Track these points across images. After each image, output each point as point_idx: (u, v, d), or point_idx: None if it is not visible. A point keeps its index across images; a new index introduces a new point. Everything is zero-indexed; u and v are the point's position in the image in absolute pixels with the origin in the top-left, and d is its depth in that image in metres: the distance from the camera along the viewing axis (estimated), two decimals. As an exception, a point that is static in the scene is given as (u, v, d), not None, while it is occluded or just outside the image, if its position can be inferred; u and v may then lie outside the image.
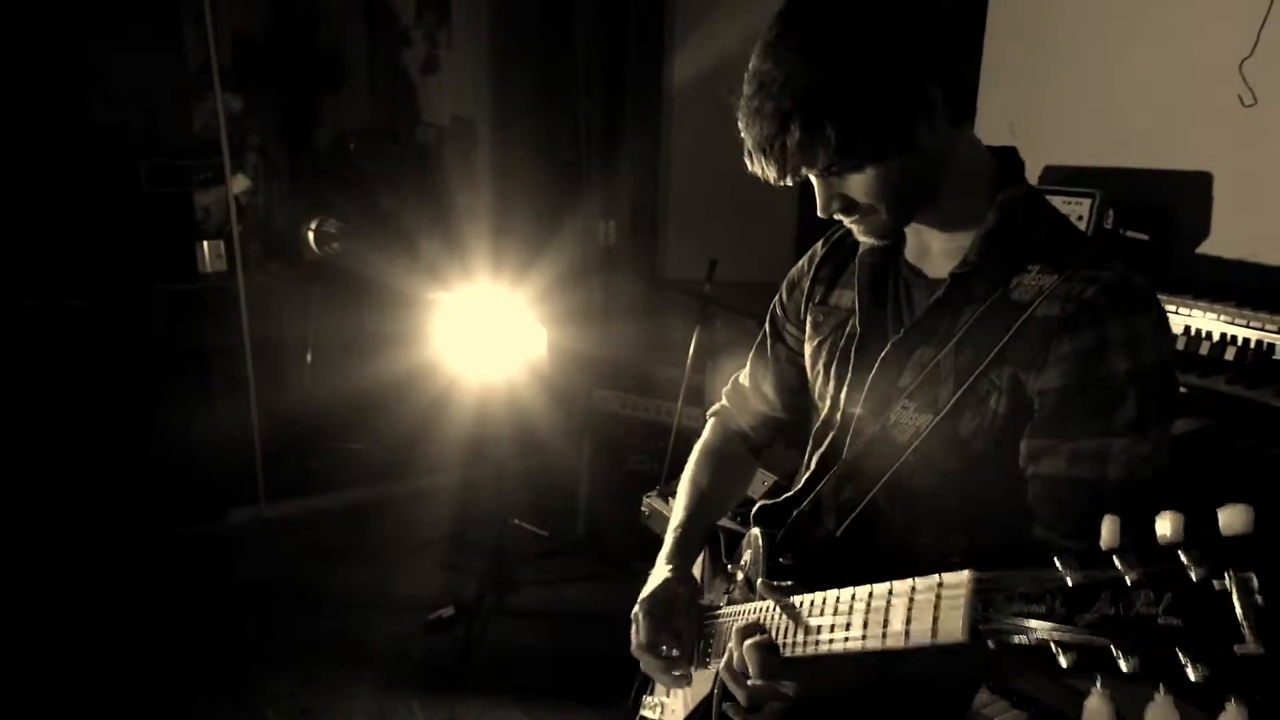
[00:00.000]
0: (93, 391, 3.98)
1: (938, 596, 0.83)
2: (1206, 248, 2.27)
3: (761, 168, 1.05)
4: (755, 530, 1.26)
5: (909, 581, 0.87)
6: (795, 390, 1.43)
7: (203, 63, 3.86)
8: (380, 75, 5.50)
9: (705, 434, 1.56)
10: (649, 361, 3.68)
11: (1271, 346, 1.85)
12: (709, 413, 1.58)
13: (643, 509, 2.40)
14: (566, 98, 4.30)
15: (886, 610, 0.90)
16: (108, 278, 4.30)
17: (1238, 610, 0.58)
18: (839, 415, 1.22)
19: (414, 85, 5.30)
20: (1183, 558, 0.61)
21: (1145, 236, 2.25)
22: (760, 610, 1.14)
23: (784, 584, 1.10)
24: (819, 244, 1.37)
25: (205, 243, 3.68)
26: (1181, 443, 1.75)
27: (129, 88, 4.36)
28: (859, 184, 1.06)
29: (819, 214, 1.11)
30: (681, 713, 1.41)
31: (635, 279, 4.28)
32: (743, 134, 1.04)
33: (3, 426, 3.68)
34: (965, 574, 0.80)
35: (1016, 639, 0.72)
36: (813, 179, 1.08)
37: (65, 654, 2.92)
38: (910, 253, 1.20)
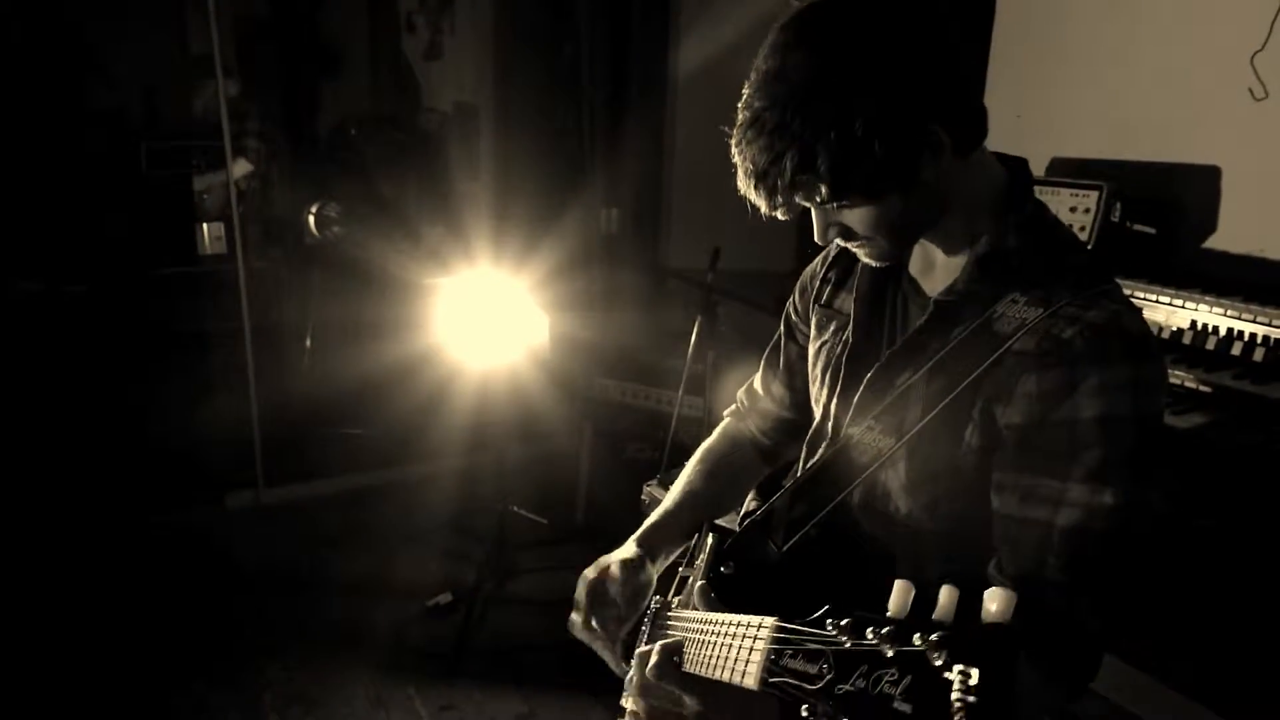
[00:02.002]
0: (91, 375, 3.97)
1: (755, 637, 0.82)
2: (1214, 242, 2.26)
3: (754, 198, 1.03)
4: (709, 536, 1.24)
5: (754, 618, 0.85)
6: (804, 390, 1.39)
7: (204, 46, 3.83)
8: (382, 61, 5.48)
9: (713, 435, 1.53)
10: (650, 350, 3.66)
11: (1279, 342, 1.84)
12: (725, 412, 1.55)
13: (643, 497, 2.39)
14: (570, 85, 4.27)
15: (726, 642, 0.90)
16: (107, 261, 4.29)
17: (954, 705, 0.56)
18: (829, 426, 1.21)
19: (416, 71, 5.28)
20: (918, 641, 0.59)
21: (1152, 230, 2.24)
22: (689, 619, 1.12)
23: (708, 600, 1.09)
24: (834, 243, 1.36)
25: (205, 225, 3.66)
26: (1187, 439, 1.74)
27: (129, 71, 4.34)
28: (856, 217, 1.04)
29: (816, 240, 1.09)
30: None
31: (637, 267, 4.26)
32: (736, 162, 1.02)
33: (1, 410, 3.67)
34: (771, 620, 0.78)
35: (790, 697, 0.70)
36: (812, 210, 1.06)
37: (62, 640, 2.92)
38: (914, 266, 1.18)
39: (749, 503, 1.43)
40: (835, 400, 1.19)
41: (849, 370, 1.18)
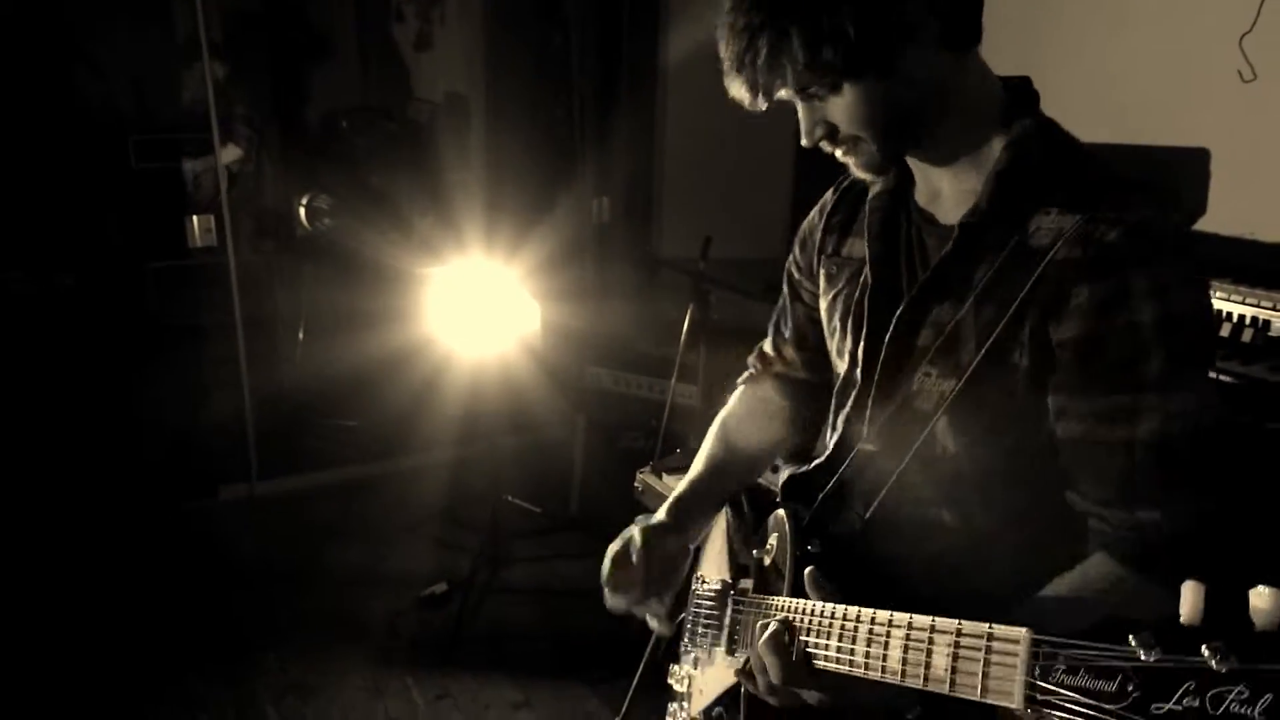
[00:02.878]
0: (82, 368, 3.95)
1: (987, 648, 0.75)
2: (1204, 224, 2.27)
3: (737, 90, 1.01)
4: (781, 512, 1.19)
5: (953, 622, 0.80)
6: (816, 349, 1.35)
7: (191, 35, 3.81)
8: (372, 51, 5.46)
9: (730, 402, 1.49)
10: (643, 339, 3.66)
11: (1268, 323, 1.85)
12: (739, 380, 1.51)
13: (636, 485, 2.39)
14: (560, 75, 4.26)
15: (928, 646, 0.83)
16: (98, 254, 4.27)
17: None
18: (859, 372, 1.15)
19: (406, 62, 5.26)
20: None
21: (1129, 178, 2.24)
22: (791, 607, 1.08)
23: (824, 585, 1.03)
24: (829, 192, 1.31)
25: (195, 218, 3.64)
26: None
27: (117, 62, 4.31)
28: (840, 108, 1.00)
29: (803, 142, 1.06)
30: (710, 694, 1.34)
31: (629, 257, 4.26)
32: (721, 54, 1.01)
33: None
34: (1021, 632, 0.72)
35: (1080, 715, 0.64)
36: (797, 105, 1.03)
37: (56, 632, 2.91)
38: (921, 196, 1.13)
39: (786, 471, 1.34)
40: (863, 344, 1.14)
41: (874, 310, 1.13)
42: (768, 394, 1.45)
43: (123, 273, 4.27)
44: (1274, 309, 1.84)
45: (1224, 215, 2.23)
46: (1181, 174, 2.28)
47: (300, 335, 4.66)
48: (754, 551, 1.29)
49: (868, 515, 1.12)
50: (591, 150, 4.20)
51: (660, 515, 1.35)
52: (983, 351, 1.00)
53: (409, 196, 4.67)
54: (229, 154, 4.23)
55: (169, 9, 4.24)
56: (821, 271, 1.27)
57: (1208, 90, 2.20)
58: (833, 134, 1.04)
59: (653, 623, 1.40)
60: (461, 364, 3.27)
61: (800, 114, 1.04)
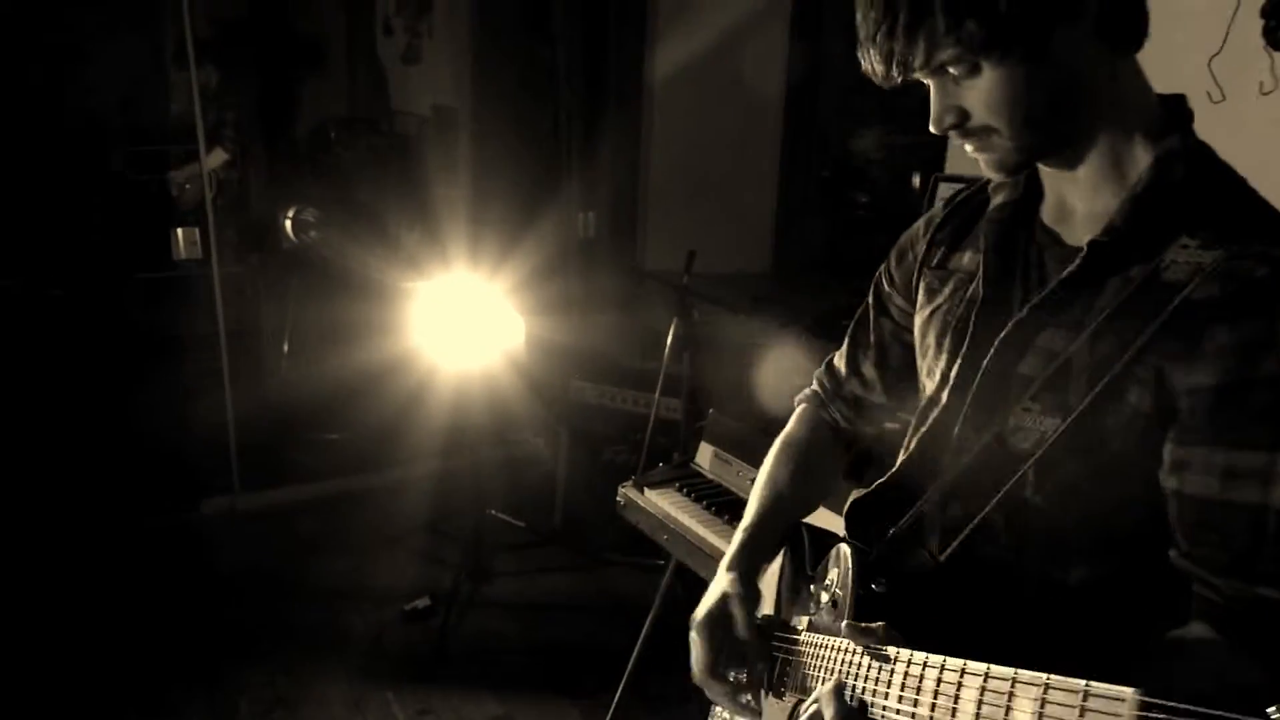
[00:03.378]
0: (69, 379, 3.96)
1: (1082, 710, 0.65)
2: (1177, 243, 2.29)
3: (871, 63, 0.91)
4: (844, 547, 1.10)
5: (1040, 675, 0.70)
6: (899, 371, 1.25)
7: (179, 46, 3.82)
8: (360, 64, 5.49)
9: (790, 424, 1.38)
10: (628, 353, 3.68)
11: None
12: (797, 399, 1.41)
13: (618, 499, 2.40)
14: (547, 89, 4.29)
15: (1008, 704, 0.72)
16: (86, 265, 4.28)
17: None
18: (945, 394, 1.06)
19: (394, 75, 5.28)
20: None
21: None
22: (848, 652, 0.99)
23: (874, 625, 0.94)
24: (938, 205, 1.20)
25: (180, 230, 3.65)
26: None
27: (107, 77, 4.33)
28: (977, 93, 0.90)
29: (931, 128, 0.95)
30: None
31: (614, 270, 4.28)
32: (858, 24, 0.92)
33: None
34: (1127, 691, 0.62)
35: None
36: (931, 85, 0.93)
37: (38, 644, 2.90)
38: (1047, 213, 1.03)
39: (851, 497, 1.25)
40: (959, 364, 1.04)
41: (978, 328, 1.02)
42: (834, 421, 1.36)
43: (110, 284, 4.27)
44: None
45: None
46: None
47: (285, 348, 4.66)
48: (811, 587, 1.21)
49: (943, 556, 1.02)
50: (577, 164, 4.23)
51: (736, 565, 1.23)
52: (1095, 391, 0.90)
53: (395, 209, 4.68)
54: (215, 158, 4.24)
55: (158, 20, 4.26)
56: (922, 284, 1.16)
57: (1180, 111, 2.23)
58: (963, 122, 0.93)
59: (739, 709, 1.23)
60: (446, 378, 3.28)
61: (932, 96, 0.94)
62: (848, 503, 1.16)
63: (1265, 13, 2.12)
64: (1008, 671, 0.74)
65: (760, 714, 1.21)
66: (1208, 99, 2.15)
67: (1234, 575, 0.86)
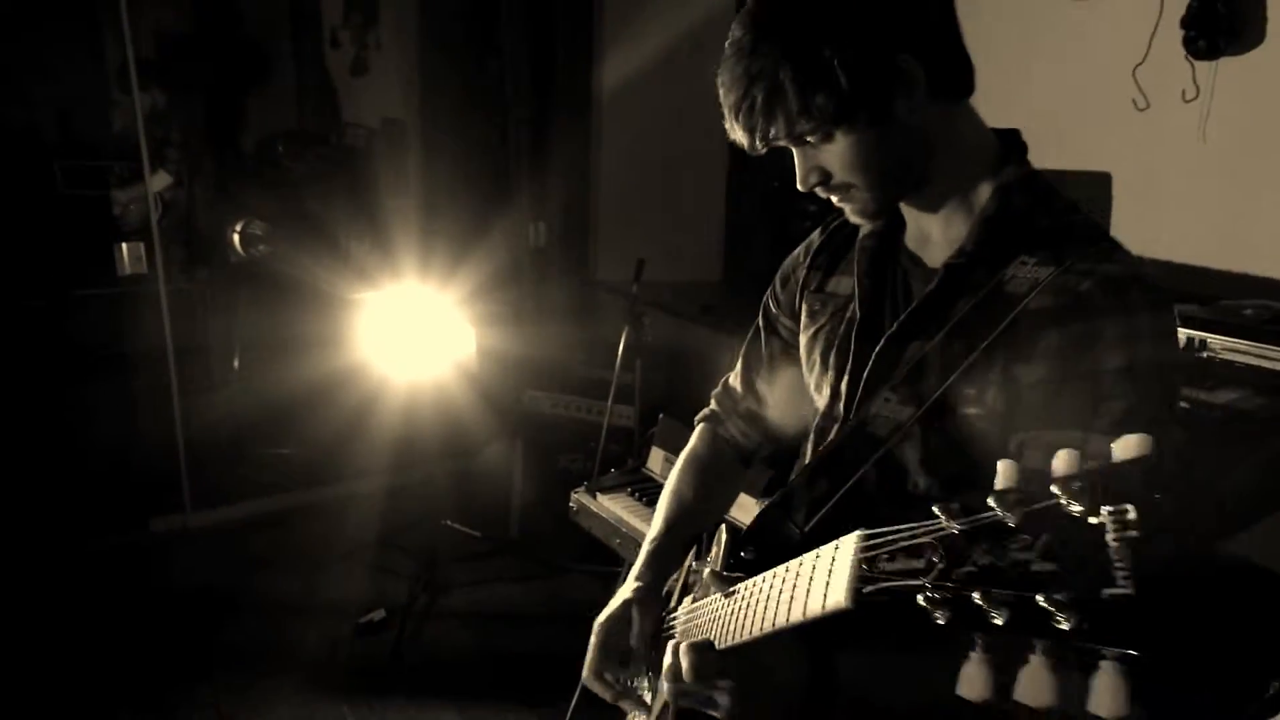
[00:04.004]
0: (12, 398, 3.86)
1: (832, 560, 0.78)
2: (1107, 245, 2.38)
3: (736, 135, 1.04)
4: (723, 525, 1.21)
5: (816, 550, 0.82)
6: (790, 388, 1.36)
7: (121, 62, 3.78)
8: (308, 77, 5.44)
9: (692, 441, 1.47)
10: (580, 362, 3.70)
11: (1164, 337, 1.95)
12: (697, 418, 1.50)
13: (571, 505, 2.42)
14: (495, 100, 4.30)
15: (795, 581, 0.86)
16: (21, 281, 4.17)
17: (1110, 547, 0.51)
18: (840, 407, 1.17)
19: (342, 87, 5.25)
20: (1058, 491, 0.55)
21: (1109, 234, 2.35)
22: (708, 606, 1.09)
23: (732, 575, 1.05)
24: (816, 232, 1.33)
25: (125, 245, 3.60)
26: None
27: (44, 88, 4.24)
28: (833, 155, 1.03)
29: (799, 187, 1.09)
30: None
31: (566, 280, 4.30)
32: (721, 102, 1.04)
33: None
34: (856, 533, 0.74)
35: (897, 600, 0.65)
36: (794, 151, 1.06)
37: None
38: (911, 239, 1.16)
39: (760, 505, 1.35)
40: (846, 379, 1.16)
41: (859, 345, 1.15)
42: (730, 436, 1.45)
43: (49, 300, 4.18)
44: (1169, 324, 1.94)
45: (1124, 235, 2.34)
46: (1087, 196, 2.39)
47: (235, 362, 4.60)
48: (693, 564, 1.31)
49: (806, 528, 1.13)
50: (527, 175, 4.25)
51: (642, 576, 1.30)
52: (945, 386, 1.02)
53: (345, 222, 4.65)
54: (159, 180, 4.19)
55: (99, 34, 4.19)
56: (804, 307, 1.28)
57: (1106, 118, 2.32)
58: (826, 180, 1.07)
59: (631, 705, 1.30)
60: (397, 389, 3.27)
61: (795, 160, 1.07)
62: (759, 511, 1.23)
63: (1185, 24, 2.22)
64: (797, 560, 0.87)
65: (646, 708, 1.28)
66: (1133, 106, 2.24)
67: None
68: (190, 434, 3.76)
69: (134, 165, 3.69)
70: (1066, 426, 0.94)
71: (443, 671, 2.94)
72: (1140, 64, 2.21)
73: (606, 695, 1.27)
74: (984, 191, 1.06)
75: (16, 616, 3.09)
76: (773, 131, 1.01)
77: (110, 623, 3.10)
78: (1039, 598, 0.54)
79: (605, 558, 2.75)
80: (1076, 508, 0.54)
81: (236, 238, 4.41)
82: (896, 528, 0.68)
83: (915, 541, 0.65)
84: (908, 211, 1.15)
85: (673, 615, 1.29)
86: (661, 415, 2.57)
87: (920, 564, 0.64)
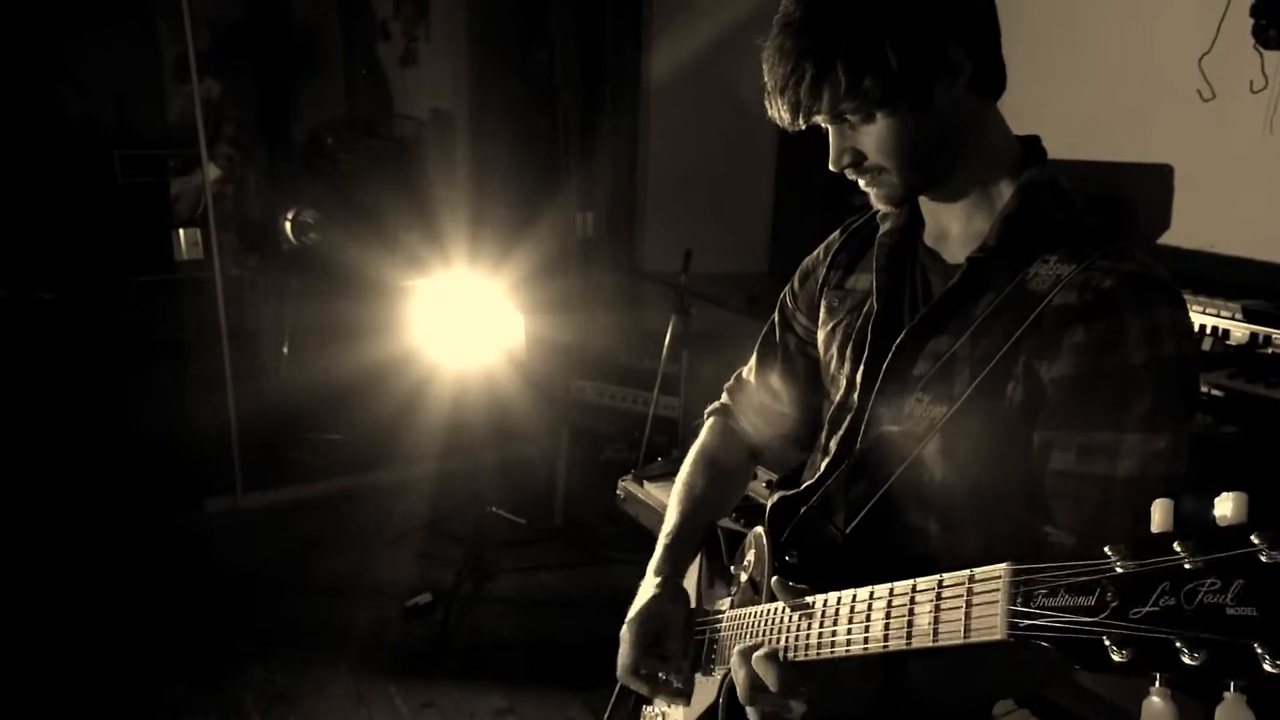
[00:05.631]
0: (68, 382, 3.97)
1: (969, 591, 0.78)
2: (1167, 238, 2.34)
3: (778, 110, 1.05)
4: (758, 529, 1.22)
5: (934, 577, 0.83)
6: (803, 383, 1.38)
7: (179, 53, 3.85)
8: (358, 68, 5.50)
9: (703, 434, 1.49)
10: (626, 352, 3.70)
11: (1227, 332, 1.92)
12: (707, 411, 1.51)
13: (618, 492, 2.43)
14: (544, 91, 4.32)
15: (910, 607, 0.85)
16: (81, 269, 4.29)
17: None
18: (854, 397, 1.18)
19: (392, 78, 5.30)
20: (1256, 540, 0.56)
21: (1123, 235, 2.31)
22: (767, 614, 1.10)
23: (798, 585, 1.05)
24: (836, 233, 1.35)
25: (182, 230, 3.67)
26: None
27: (102, 79, 4.34)
28: (871, 137, 1.05)
29: (830, 166, 1.10)
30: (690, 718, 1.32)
31: (613, 270, 4.31)
32: (765, 76, 1.05)
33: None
34: (1002, 566, 0.74)
35: (1063, 635, 0.66)
36: (829, 130, 1.07)
37: (44, 642, 2.92)
38: (929, 236, 1.18)
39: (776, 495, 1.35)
40: (861, 371, 1.17)
41: (876, 338, 1.17)
42: (739, 428, 1.46)
43: (107, 286, 4.29)
44: (1233, 318, 1.91)
45: (1186, 229, 2.30)
46: (1146, 189, 2.35)
47: (285, 349, 4.68)
48: (730, 569, 1.31)
49: (848, 530, 1.14)
50: (575, 165, 4.26)
51: (662, 570, 1.32)
52: (975, 383, 1.03)
53: (394, 211, 4.70)
54: (209, 174, 4.27)
55: (154, 26, 4.28)
56: (823, 304, 1.30)
57: (1170, 109, 2.27)
58: (859, 162, 1.08)
59: (670, 705, 1.32)
60: (446, 376, 3.30)
61: (830, 139, 1.08)
62: (769, 503, 1.24)
63: (1255, 12, 2.16)
64: (906, 584, 0.86)
65: (687, 701, 1.29)
66: (1198, 97, 2.19)
67: (1089, 536, 0.98)
68: (243, 418, 3.84)
69: (190, 153, 3.76)
70: (1096, 426, 0.98)
71: (488, 655, 2.97)
72: (1207, 53, 2.16)
73: (644, 690, 1.27)
74: (1005, 190, 1.08)
75: (78, 591, 3.19)
76: (817, 108, 1.02)
77: (167, 598, 3.18)
78: (1252, 644, 0.56)
79: (647, 546, 2.75)
80: (1271, 556, 0.55)
81: (288, 225, 4.47)
82: (1051, 563, 0.69)
83: (1081, 579, 0.66)
84: (927, 208, 1.17)
85: (711, 616, 1.29)
86: (707, 406, 2.57)
87: (1090, 601, 0.65)
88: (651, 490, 2.38)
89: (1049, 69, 2.55)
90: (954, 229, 1.14)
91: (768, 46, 1.04)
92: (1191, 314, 1.95)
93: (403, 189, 4.83)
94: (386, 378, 3.62)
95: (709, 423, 1.50)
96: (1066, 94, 2.52)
